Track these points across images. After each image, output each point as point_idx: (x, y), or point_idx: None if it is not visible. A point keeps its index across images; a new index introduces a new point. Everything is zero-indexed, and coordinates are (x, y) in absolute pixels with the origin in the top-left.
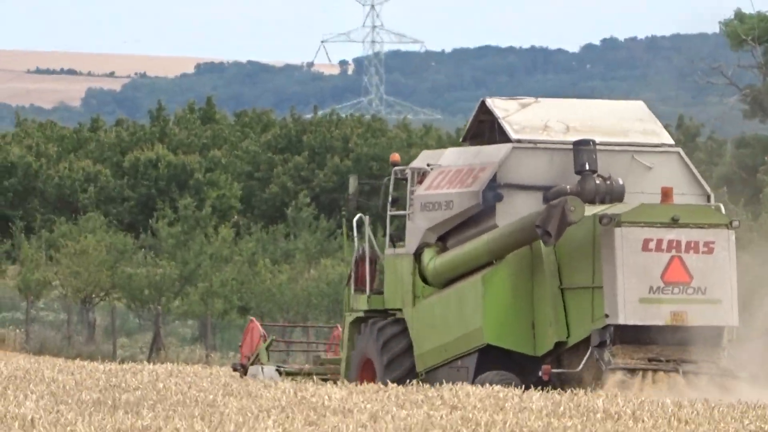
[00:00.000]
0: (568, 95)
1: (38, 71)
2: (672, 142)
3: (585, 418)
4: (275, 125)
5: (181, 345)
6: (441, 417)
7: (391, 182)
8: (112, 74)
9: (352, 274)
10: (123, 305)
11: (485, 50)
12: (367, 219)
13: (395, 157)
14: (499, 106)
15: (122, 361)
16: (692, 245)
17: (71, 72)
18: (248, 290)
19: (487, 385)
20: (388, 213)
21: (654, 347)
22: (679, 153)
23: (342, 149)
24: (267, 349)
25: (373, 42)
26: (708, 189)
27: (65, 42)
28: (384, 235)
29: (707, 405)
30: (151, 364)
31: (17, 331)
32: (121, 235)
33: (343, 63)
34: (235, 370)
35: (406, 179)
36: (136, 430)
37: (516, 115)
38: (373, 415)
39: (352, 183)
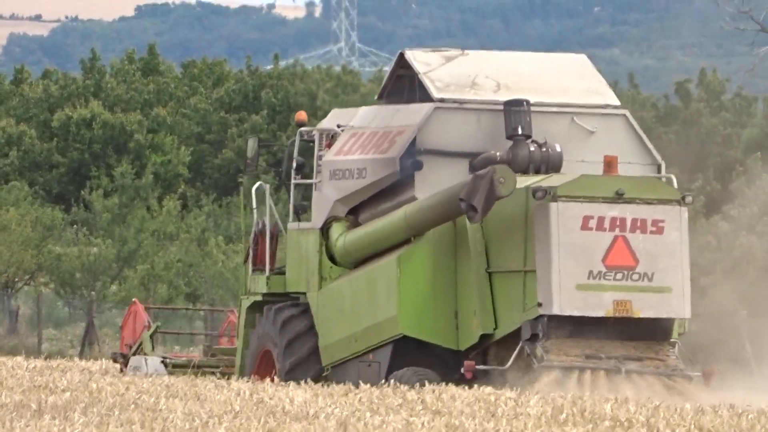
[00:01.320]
0: (570, 44)
1: None
2: (618, 103)
3: (591, 426)
4: (229, 78)
5: (117, 338)
6: (422, 424)
7: (296, 145)
8: (38, 18)
9: (250, 252)
10: (51, 291)
11: None
12: (267, 188)
13: (301, 115)
14: (419, 59)
15: (49, 357)
16: (639, 224)
17: None
18: (197, 274)
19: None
20: (292, 181)
21: (593, 342)
22: (626, 116)
23: (308, 107)
24: (151, 337)
25: None
26: (659, 158)
27: None
28: (287, 207)
29: (733, 411)
30: (83, 360)
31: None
32: (49, 209)
33: (309, 4)
34: (114, 360)
35: (313, 142)
36: None
37: (439, 70)
38: (342, 422)
39: (251, 145)
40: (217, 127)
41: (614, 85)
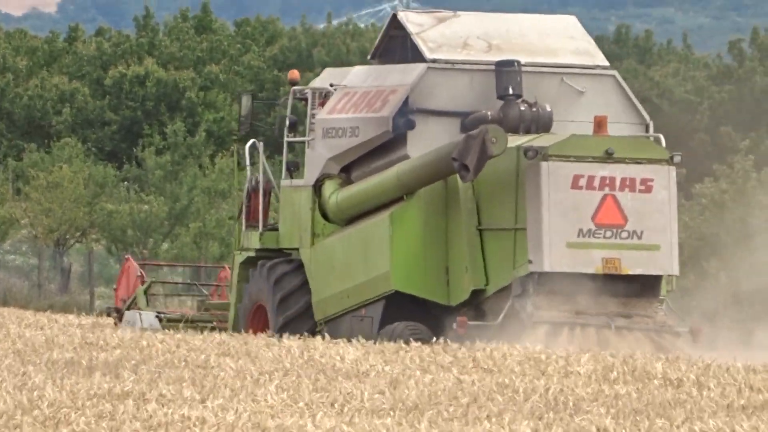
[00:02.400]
0: (624, 2)
1: None
2: (607, 63)
3: (641, 385)
4: (282, 36)
5: (170, 295)
6: (473, 383)
7: (289, 103)
8: None
9: (244, 208)
10: (102, 248)
11: None
12: (261, 145)
13: (294, 74)
14: (412, 20)
15: (101, 314)
16: (628, 183)
17: None
18: None
19: (399, 339)
20: (285, 139)
21: (583, 298)
22: (614, 76)
23: (361, 65)
24: (145, 292)
25: None
26: (647, 117)
27: None
28: (280, 164)
29: None
30: None
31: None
32: (101, 166)
33: None
34: (108, 315)
35: (306, 100)
36: (114, 395)
37: (431, 30)
38: (393, 380)
39: (245, 103)
40: (270, 85)
41: (667, 44)
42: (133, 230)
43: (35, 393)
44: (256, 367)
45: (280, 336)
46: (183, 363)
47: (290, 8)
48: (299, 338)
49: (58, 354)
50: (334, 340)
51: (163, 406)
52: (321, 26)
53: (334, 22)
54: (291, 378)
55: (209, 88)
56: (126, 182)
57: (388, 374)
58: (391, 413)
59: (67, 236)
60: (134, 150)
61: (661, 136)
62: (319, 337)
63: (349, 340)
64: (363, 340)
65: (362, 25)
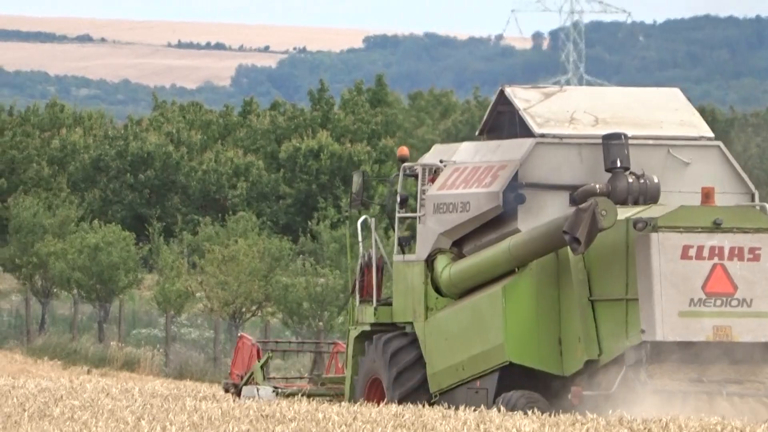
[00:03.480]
0: None
1: (181, 45)
2: (711, 134)
3: None
4: (456, 109)
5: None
6: None
7: (400, 180)
8: (266, 49)
9: (357, 283)
10: (278, 321)
11: (701, 21)
12: (373, 221)
13: (403, 151)
14: (519, 96)
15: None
16: (736, 252)
17: (219, 46)
18: None
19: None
20: (397, 215)
21: (695, 366)
22: (719, 147)
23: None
24: (262, 367)
25: (571, 12)
26: (752, 187)
27: (212, 12)
28: (393, 240)
29: None
30: None
31: (155, 351)
32: (277, 239)
33: (536, 36)
34: (226, 390)
35: (416, 177)
36: None
37: (539, 106)
38: None
39: (356, 180)
40: None
41: None
42: (308, 303)
43: None
44: None
45: (456, 408)
46: None
47: (464, 81)
48: (474, 410)
49: (234, 427)
50: (510, 413)
51: None
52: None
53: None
54: None
55: (384, 161)
56: (301, 255)
57: None
58: None
59: (243, 309)
60: (309, 223)
61: (767, 205)
62: (495, 410)
63: (525, 413)
64: (538, 413)
65: None
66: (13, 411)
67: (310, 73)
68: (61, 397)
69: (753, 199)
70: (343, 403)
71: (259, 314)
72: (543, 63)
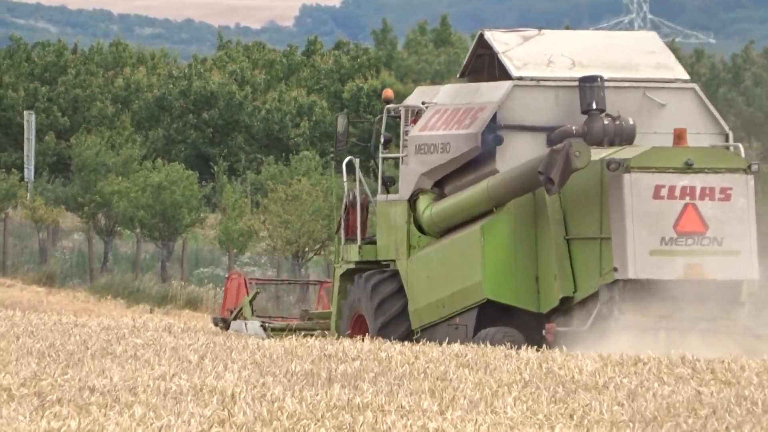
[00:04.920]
0: None
1: None
2: (687, 77)
3: None
4: None
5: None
6: (711, 394)
7: (383, 121)
8: None
9: (342, 222)
10: None
11: None
12: (357, 161)
13: (388, 93)
14: (498, 39)
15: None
16: (707, 192)
17: None
18: None
19: (489, 343)
20: (380, 155)
21: (667, 304)
22: (694, 89)
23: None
24: (251, 302)
25: None
26: (726, 128)
27: None
28: (376, 180)
29: None
30: None
31: (217, 290)
32: (339, 179)
33: None
34: (215, 324)
35: (399, 118)
36: (353, 407)
37: (517, 49)
38: (632, 392)
39: (341, 121)
40: None
41: None
42: None
43: (275, 405)
44: (495, 379)
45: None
46: (422, 374)
47: (528, 21)
48: (537, 350)
49: (296, 365)
50: (572, 353)
51: (402, 417)
52: None
53: None
54: (530, 390)
55: None
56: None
57: (626, 386)
58: (630, 425)
59: (306, 248)
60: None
61: (740, 146)
62: (557, 349)
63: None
64: (601, 353)
65: None
66: (76, 349)
67: (374, 12)
68: (124, 335)
69: (727, 140)
70: (405, 342)
71: (322, 253)
72: (608, 3)
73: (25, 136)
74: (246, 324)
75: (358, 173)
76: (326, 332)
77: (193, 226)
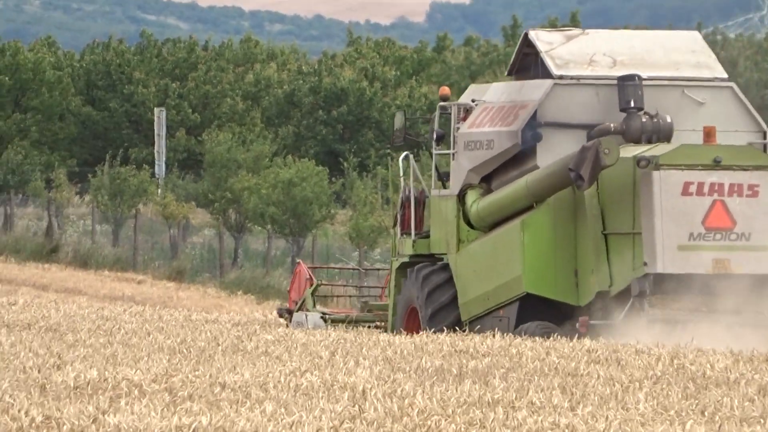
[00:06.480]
0: None
1: None
2: (725, 75)
3: None
4: None
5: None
6: None
7: (437, 118)
8: None
9: (398, 217)
10: None
11: None
12: (412, 157)
13: (444, 90)
14: (542, 38)
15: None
16: (735, 188)
17: None
18: None
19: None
20: (434, 151)
21: (695, 297)
22: (732, 87)
23: (728, 74)
24: (313, 294)
25: None
26: (764, 126)
27: None
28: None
29: None
30: None
31: (348, 285)
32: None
33: None
34: (281, 316)
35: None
36: (484, 403)
37: (560, 48)
38: (763, 388)
39: (399, 118)
40: None
41: None
42: None
43: (405, 401)
44: (626, 374)
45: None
46: (553, 371)
47: (658, 18)
48: (663, 347)
49: (427, 362)
50: (704, 349)
51: (533, 413)
52: None
53: (702, 32)
54: (661, 386)
55: None
56: None
57: (758, 382)
58: (761, 421)
59: None
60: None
61: None
62: (688, 346)
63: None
64: (732, 349)
65: (731, 35)
66: (207, 345)
67: (504, 9)
68: (255, 331)
69: (765, 137)
70: (536, 339)
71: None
72: (738, 0)
73: (156, 132)
74: (307, 316)
75: (413, 168)
76: (384, 324)
77: (324, 222)
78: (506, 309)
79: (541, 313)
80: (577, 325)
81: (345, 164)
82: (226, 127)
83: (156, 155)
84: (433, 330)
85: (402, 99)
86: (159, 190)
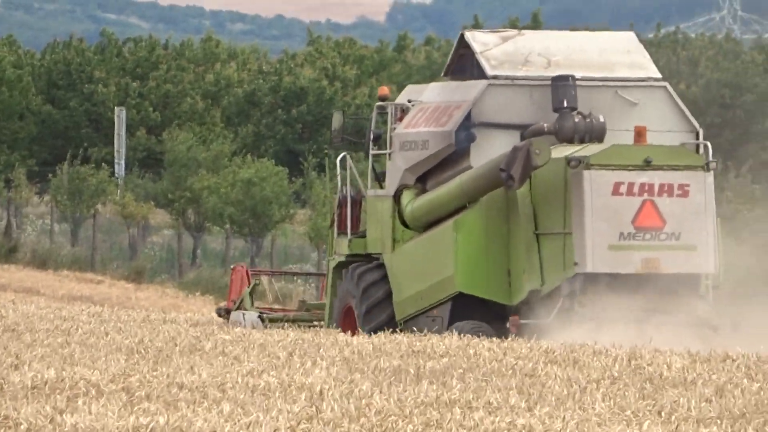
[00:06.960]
0: None
1: None
2: (659, 75)
3: None
4: None
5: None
6: None
7: (373, 118)
8: None
9: (335, 217)
10: None
11: None
12: (349, 158)
13: (383, 90)
14: (478, 39)
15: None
16: (666, 188)
17: None
18: None
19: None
20: (370, 151)
21: (625, 297)
22: (666, 88)
23: (688, 74)
24: (250, 294)
25: None
26: (697, 125)
27: None
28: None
29: None
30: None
31: (306, 285)
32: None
33: None
34: (219, 315)
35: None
36: (441, 403)
37: (495, 49)
38: (720, 389)
39: (337, 118)
40: None
41: None
42: None
43: (363, 401)
44: (583, 375)
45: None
46: (510, 371)
47: (619, 17)
48: (621, 348)
49: (384, 362)
50: (660, 350)
51: (490, 413)
52: (650, 35)
53: (662, 32)
54: (618, 386)
55: None
56: None
57: (715, 383)
58: (718, 422)
59: None
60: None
61: (709, 144)
62: (644, 346)
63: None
64: (690, 350)
65: (692, 35)
66: (165, 345)
67: (465, 8)
68: (213, 331)
69: (697, 137)
70: (494, 339)
71: None
72: (698, 0)
73: (116, 131)
74: (244, 315)
75: (350, 169)
76: (322, 323)
77: (283, 222)
78: (440, 308)
79: (474, 312)
80: (508, 324)
81: (305, 164)
82: (186, 126)
83: (116, 154)
84: (367, 328)
85: (362, 98)
86: (118, 190)
